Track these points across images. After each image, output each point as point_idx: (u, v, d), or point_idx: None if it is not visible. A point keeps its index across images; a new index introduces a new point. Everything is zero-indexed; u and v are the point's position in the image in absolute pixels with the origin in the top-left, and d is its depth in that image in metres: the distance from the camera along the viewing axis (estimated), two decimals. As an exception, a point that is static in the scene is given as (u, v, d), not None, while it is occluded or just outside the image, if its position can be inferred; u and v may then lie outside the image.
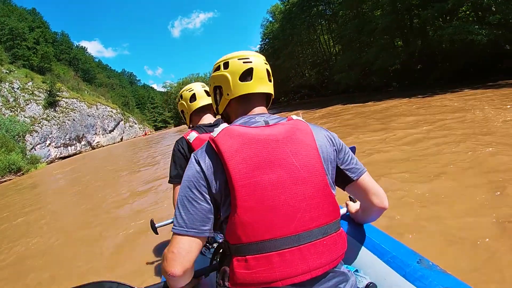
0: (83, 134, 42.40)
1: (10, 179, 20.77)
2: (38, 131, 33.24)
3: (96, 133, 46.32)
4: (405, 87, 18.71)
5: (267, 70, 0.90)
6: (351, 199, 1.19)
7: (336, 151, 0.81)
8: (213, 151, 0.72)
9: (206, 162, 0.72)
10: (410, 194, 2.78)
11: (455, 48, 15.35)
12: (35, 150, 31.06)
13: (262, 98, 0.92)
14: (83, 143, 42.11)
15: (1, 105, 31.44)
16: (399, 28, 18.91)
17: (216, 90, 0.93)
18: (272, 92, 0.94)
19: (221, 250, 0.83)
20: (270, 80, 0.91)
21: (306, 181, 0.70)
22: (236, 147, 0.69)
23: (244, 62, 0.86)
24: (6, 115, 30.45)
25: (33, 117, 34.16)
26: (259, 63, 0.88)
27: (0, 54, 37.01)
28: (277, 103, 46.85)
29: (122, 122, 57.08)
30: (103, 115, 50.51)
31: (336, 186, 0.84)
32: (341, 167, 0.82)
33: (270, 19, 43.93)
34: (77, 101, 44.51)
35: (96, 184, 8.68)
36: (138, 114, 79.49)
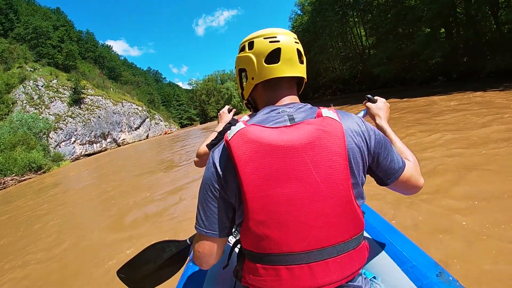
0: (108, 131, 41.75)
1: (30, 178, 19.48)
2: (63, 128, 32.76)
3: (121, 130, 45.67)
4: (453, 81, 16.44)
5: (297, 50, 0.78)
6: (369, 100, 1.04)
7: (370, 153, 0.71)
8: (228, 155, 0.67)
9: (221, 165, 0.68)
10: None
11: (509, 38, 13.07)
12: (60, 147, 30.49)
13: (291, 83, 0.82)
14: (108, 140, 41.44)
15: (26, 103, 31.00)
16: (444, 17, 16.56)
17: (241, 73, 0.85)
18: (304, 75, 0.82)
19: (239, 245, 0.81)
20: (301, 62, 0.80)
21: (326, 197, 0.63)
22: (250, 155, 0.63)
23: (270, 42, 0.76)
24: (30, 112, 29.83)
25: (58, 115, 33.74)
26: (288, 42, 0.77)
27: (24, 53, 36.90)
28: (305, 100, 44.14)
29: (148, 119, 56.49)
30: (129, 112, 49.92)
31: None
32: (375, 170, 0.74)
33: (299, 12, 42.33)
34: (102, 98, 44.02)
35: (118, 185, 8.04)
36: (164, 112, 79.32)
